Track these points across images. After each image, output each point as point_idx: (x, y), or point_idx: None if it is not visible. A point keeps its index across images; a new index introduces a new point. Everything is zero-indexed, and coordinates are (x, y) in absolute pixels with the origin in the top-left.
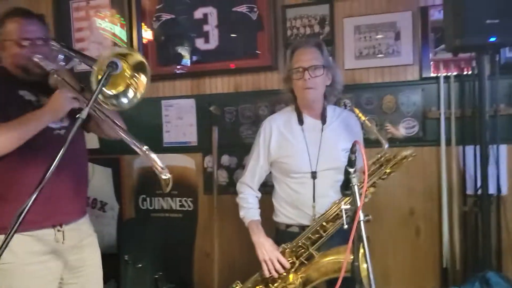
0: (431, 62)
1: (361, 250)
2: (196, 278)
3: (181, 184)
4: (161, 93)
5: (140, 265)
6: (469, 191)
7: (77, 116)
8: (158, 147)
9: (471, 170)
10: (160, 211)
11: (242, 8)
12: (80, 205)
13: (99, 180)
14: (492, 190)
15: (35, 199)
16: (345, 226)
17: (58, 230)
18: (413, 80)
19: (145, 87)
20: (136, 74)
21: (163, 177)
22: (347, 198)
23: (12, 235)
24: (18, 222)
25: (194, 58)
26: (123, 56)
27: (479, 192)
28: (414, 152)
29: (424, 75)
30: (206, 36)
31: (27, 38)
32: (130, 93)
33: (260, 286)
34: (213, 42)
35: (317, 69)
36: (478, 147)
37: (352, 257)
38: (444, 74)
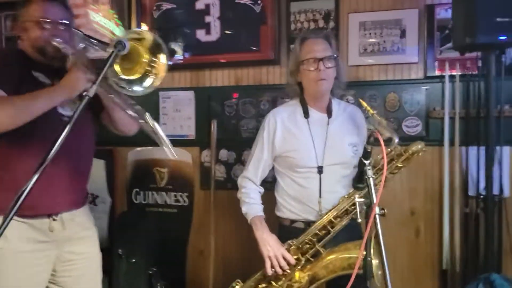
0: (436, 61)
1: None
2: (189, 276)
3: (176, 179)
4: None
5: (134, 260)
6: (471, 192)
7: (84, 93)
8: (153, 140)
9: (473, 171)
10: (154, 205)
11: (246, 0)
12: (78, 195)
13: (92, 172)
14: (494, 191)
15: (35, 182)
16: (359, 220)
17: (54, 219)
18: (417, 79)
19: (165, 69)
20: (154, 58)
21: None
22: (360, 192)
23: (11, 218)
24: (18, 204)
25: (194, 49)
26: (138, 40)
27: (482, 193)
28: (424, 146)
29: (428, 74)
30: (207, 28)
31: (49, 20)
32: (147, 81)
33: (263, 285)
34: (215, 34)
35: (330, 60)
36: (481, 148)
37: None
38: (449, 73)
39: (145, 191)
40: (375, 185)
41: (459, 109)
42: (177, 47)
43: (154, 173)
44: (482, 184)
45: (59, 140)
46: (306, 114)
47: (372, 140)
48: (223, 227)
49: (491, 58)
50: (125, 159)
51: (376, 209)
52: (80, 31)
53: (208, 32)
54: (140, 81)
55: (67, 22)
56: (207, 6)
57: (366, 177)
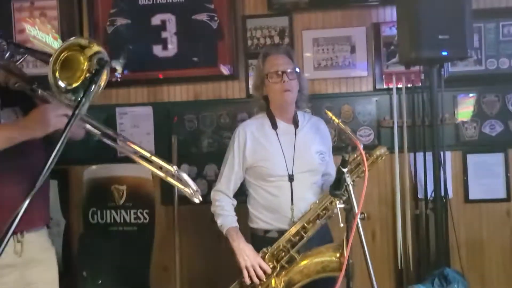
0: (384, 75)
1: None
2: None
3: (136, 196)
4: (114, 100)
5: (100, 282)
6: (420, 195)
7: (76, 112)
8: (112, 157)
9: (421, 175)
10: (112, 224)
11: (202, 17)
12: (42, 212)
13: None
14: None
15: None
16: (341, 225)
17: (18, 241)
18: (368, 91)
19: (105, 80)
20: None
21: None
22: (336, 198)
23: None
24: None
25: (151, 65)
26: (82, 47)
27: (429, 195)
28: (386, 150)
29: (377, 87)
30: (164, 43)
31: None
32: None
33: None
34: (172, 50)
35: (292, 73)
36: (427, 153)
37: (337, 255)
38: (396, 86)
39: (102, 210)
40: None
41: (406, 118)
42: (118, 64)
43: (112, 191)
44: (430, 187)
45: (51, 160)
46: (274, 126)
47: (350, 149)
48: (186, 242)
49: (433, 72)
50: (80, 178)
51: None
52: (7, 39)
53: (165, 47)
54: (82, 88)
55: None
56: (163, 22)
57: (345, 184)
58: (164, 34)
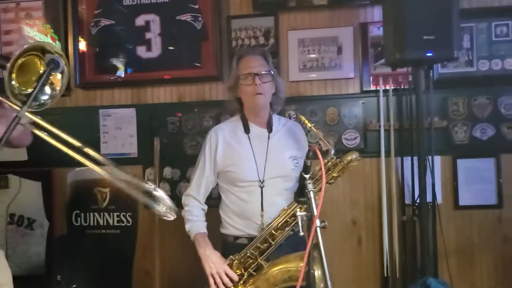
0: (371, 77)
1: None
2: None
3: (119, 198)
4: (98, 102)
5: (74, 286)
6: (407, 200)
7: (15, 115)
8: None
9: (408, 180)
10: (95, 227)
11: (187, 17)
12: None
13: (27, 195)
14: (428, 199)
15: None
16: (301, 233)
17: None
18: (354, 93)
19: (61, 83)
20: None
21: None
22: (300, 205)
23: None
24: None
25: (135, 66)
26: (44, 52)
27: (417, 201)
28: (358, 156)
29: (364, 89)
30: (148, 44)
31: None
32: (47, 89)
33: None
34: (156, 51)
35: (266, 76)
36: (415, 158)
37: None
38: (383, 88)
39: (86, 213)
40: (315, 197)
41: (393, 121)
42: (119, 63)
43: (95, 194)
44: (417, 193)
45: None
46: (247, 129)
47: (311, 154)
48: (169, 246)
49: (419, 73)
50: (64, 180)
51: (317, 222)
52: None
53: (149, 48)
54: (41, 91)
55: None
56: (147, 22)
57: (306, 190)
58: (148, 35)
